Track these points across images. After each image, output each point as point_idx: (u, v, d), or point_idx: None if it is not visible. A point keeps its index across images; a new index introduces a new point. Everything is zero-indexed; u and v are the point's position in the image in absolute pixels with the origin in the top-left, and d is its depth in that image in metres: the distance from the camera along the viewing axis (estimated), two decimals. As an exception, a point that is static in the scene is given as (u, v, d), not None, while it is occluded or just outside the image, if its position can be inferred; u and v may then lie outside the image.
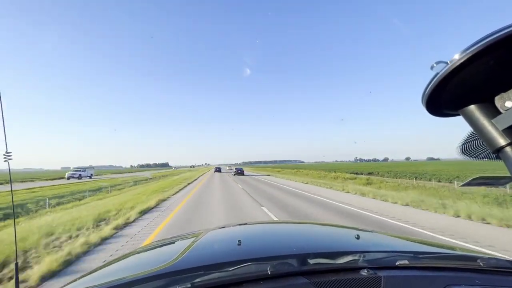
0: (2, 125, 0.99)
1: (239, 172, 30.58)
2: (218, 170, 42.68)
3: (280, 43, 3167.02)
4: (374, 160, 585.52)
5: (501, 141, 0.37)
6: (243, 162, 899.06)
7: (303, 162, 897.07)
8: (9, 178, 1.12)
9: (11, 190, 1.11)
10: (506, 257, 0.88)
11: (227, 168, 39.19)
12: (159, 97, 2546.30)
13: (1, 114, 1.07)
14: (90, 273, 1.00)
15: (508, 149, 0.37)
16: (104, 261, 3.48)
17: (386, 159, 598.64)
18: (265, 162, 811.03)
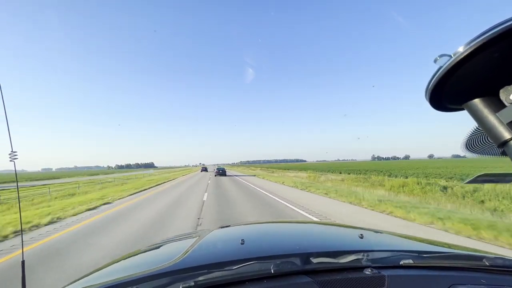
0: (6, 126, 1.19)
1: (221, 172, 32.70)
2: (204, 169, 53.02)
3: (280, 41, 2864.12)
4: (394, 158, 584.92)
5: (506, 134, 0.39)
6: (241, 161, 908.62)
7: (305, 161, 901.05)
8: (15, 177, 1.30)
9: (17, 188, 1.32)
10: None
11: (215, 168, 43.26)
12: (150, 94, 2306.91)
13: (5, 116, 1.28)
14: (94, 271, 1.11)
15: None
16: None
17: (407, 157, 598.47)
18: (264, 162, 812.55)
